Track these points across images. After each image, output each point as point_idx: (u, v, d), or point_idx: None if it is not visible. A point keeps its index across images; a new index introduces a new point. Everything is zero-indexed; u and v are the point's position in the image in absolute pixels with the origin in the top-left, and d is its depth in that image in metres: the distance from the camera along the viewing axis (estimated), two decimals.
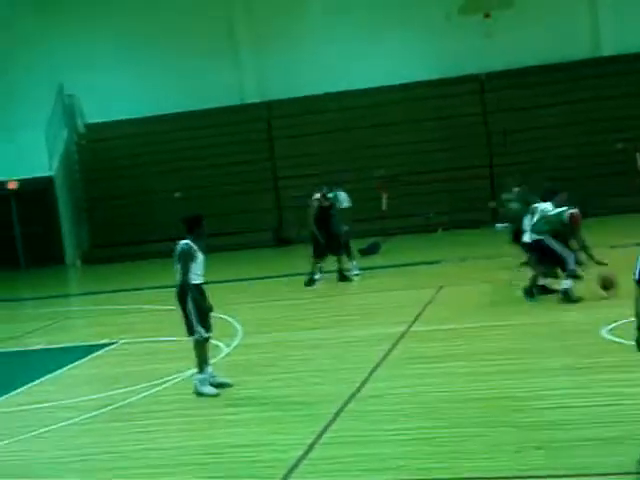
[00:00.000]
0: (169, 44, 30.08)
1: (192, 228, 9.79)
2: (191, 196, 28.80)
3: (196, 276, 9.70)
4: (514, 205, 16.11)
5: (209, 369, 9.85)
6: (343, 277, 17.42)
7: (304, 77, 29.27)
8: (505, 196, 17.22)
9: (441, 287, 15.50)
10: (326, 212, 17.15)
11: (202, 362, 9.75)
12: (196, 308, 9.63)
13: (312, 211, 17.22)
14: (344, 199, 18.38)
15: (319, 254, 17.27)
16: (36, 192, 29.86)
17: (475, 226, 25.93)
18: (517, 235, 15.09)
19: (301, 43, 29.53)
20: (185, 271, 9.63)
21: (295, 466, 7.05)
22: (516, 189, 16.61)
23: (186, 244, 9.71)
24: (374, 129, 28.45)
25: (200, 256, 9.73)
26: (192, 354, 9.75)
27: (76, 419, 9.19)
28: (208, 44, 30.04)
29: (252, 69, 30.38)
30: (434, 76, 28.38)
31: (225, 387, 9.80)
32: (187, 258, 9.64)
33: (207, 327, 9.79)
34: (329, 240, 17.07)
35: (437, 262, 19.12)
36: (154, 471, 7.45)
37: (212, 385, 9.74)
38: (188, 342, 9.89)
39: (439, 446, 7.21)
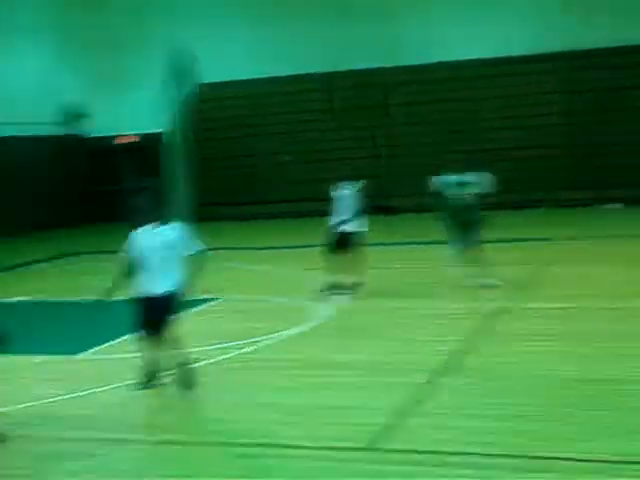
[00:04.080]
0: (290, 4, 29.80)
1: None
2: (300, 160, 28.85)
3: None
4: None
5: None
6: None
7: None
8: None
9: (549, 264, 15.13)
10: None
11: None
12: None
13: None
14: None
15: None
16: (148, 149, 30.36)
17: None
18: None
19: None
20: None
21: (381, 432, 7.01)
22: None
23: None
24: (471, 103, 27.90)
25: None
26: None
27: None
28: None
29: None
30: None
31: None
32: None
33: None
34: None
35: (548, 239, 18.75)
36: (239, 427, 7.47)
37: None
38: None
39: (531, 423, 7.06)
